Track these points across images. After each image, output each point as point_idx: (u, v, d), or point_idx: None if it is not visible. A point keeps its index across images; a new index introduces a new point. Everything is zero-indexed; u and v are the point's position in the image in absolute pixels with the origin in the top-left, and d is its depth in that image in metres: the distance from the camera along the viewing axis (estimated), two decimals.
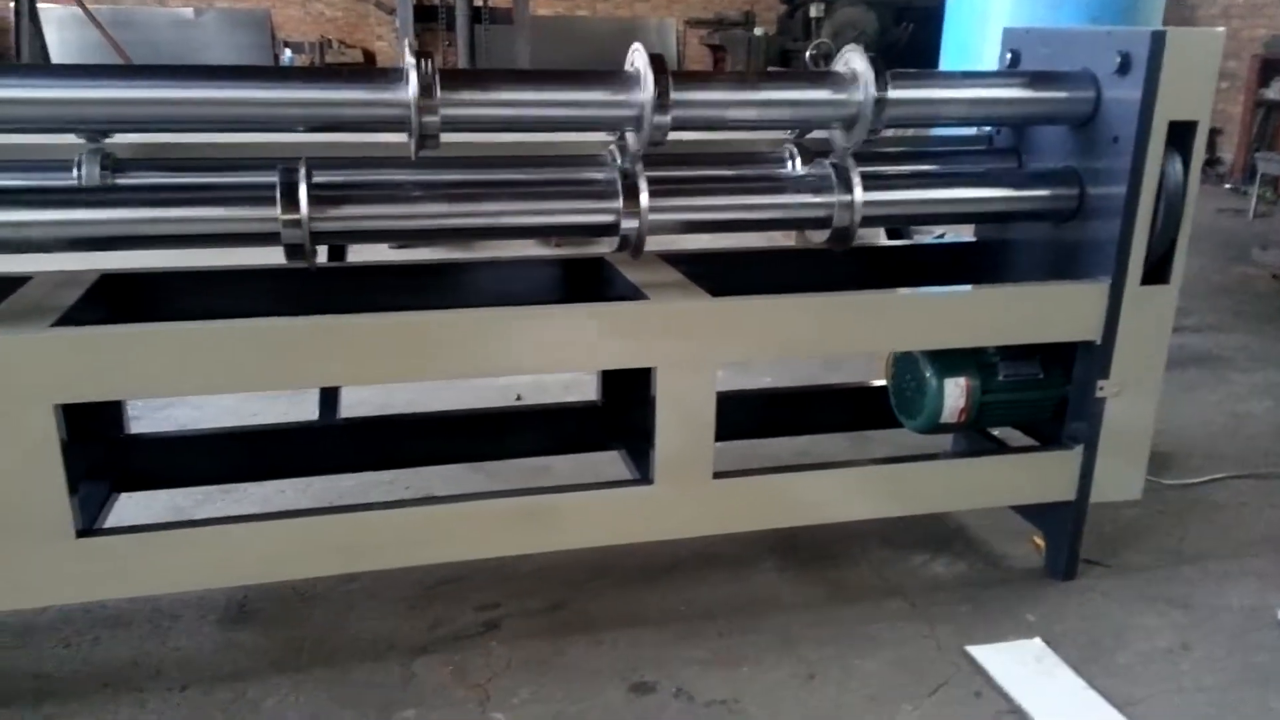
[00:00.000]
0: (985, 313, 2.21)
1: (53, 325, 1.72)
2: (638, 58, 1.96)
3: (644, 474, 2.16)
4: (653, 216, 2.00)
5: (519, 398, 3.46)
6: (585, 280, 2.43)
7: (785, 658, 2.15)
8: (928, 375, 2.33)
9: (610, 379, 2.61)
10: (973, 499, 2.45)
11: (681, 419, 2.06)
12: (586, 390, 2.89)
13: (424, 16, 10.69)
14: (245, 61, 12.49)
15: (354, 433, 2.50)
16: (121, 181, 1.91)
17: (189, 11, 12.77)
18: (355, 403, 2.64)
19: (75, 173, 1.89)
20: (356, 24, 13.27)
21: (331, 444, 2.48)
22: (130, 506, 2.29)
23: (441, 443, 2.59)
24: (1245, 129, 9.56)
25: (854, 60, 2.08)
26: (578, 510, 2.10)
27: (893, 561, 2.56)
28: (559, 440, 2.64)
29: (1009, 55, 2.48)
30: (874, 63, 2.05)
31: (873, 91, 2.02)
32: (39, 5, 8.42)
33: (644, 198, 1.99)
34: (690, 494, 2.12)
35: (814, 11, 10.34)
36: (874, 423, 2.80)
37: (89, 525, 1.90)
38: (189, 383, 1.79)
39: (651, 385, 2.03)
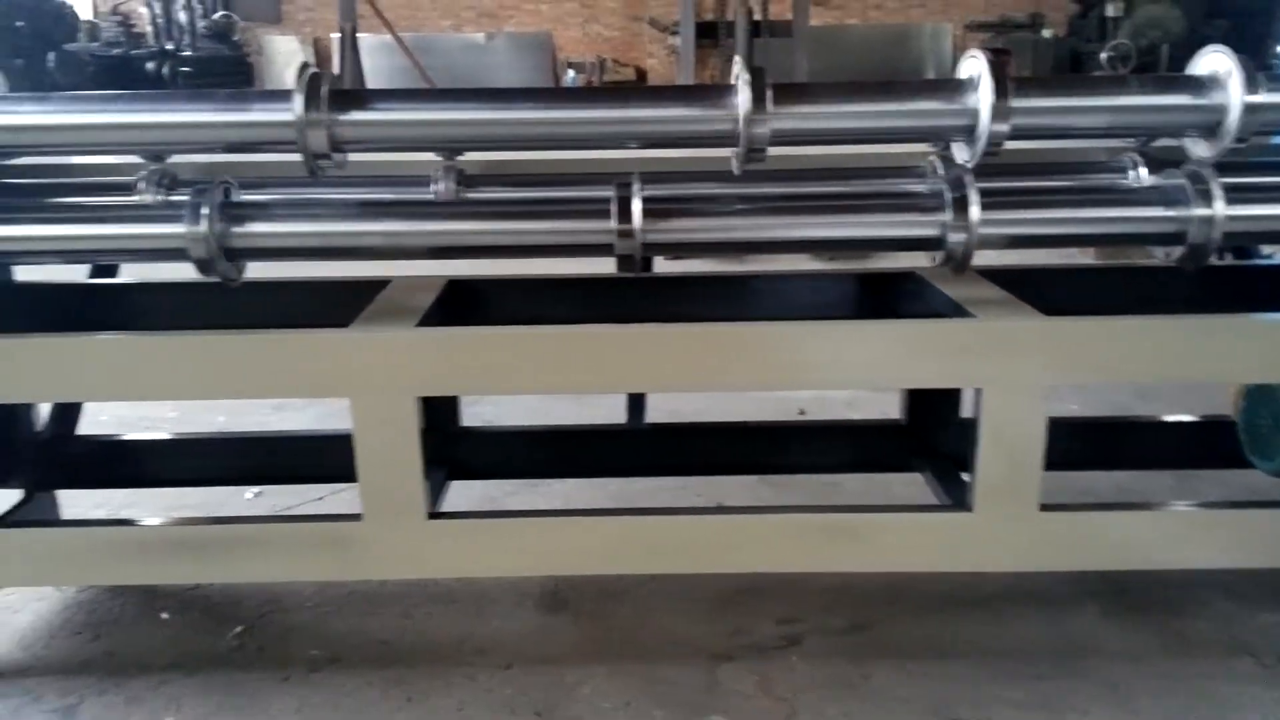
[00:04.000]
0: None
1: (417, 325, 1.89)
2: (974, 64, 1.88)
3: (958, 500, 2.07)
4: (983, 230, 1.91)
5: (802, 411, 3.43)
6: (892, 295, 2.37)
7: (1117, 711, 1.98)
8: None
9: (916, 398, 2.53)
10: None
11: (1007, 445, 1.94)
12: (869, 407, 2.82)
13: (703, 33, 10.93)
14: (530, 80, 13.36)
15: (656, 437, 2.57)
16: (472, 195, 2.07)
17: (480, 36, 13.81)
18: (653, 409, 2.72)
19: (432, 187, 2.07)
20: (630, 43, 13.81)
21: (634, 447, 2.56)
22: (449, 493, 2.47)
23: (738, 452, 2.61)
24: None
25: (1218, 60, 1.89)
26: (890, 532, 2.03)
27: (1239, 617, 2.30)
28: (857, 458, 2.59)
29: None
30: (1243, 63, 1.85)
31: (1242, 95, 1.83)
32: (357, 34, 9.40)
33: (974, 210, 1.90)
34: (1012, 525, 2.00)
35: (1111, 10, 9.55)
36: (1206, 461, 2.54)
37: (435, 508, 2.07)
38: (527, 382, 1.91)
39: (975, 408, 1.94)
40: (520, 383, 1.92)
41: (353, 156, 1.98)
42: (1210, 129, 1.90)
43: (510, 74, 13.48)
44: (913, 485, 2.41)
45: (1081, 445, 2.53)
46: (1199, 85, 1.90)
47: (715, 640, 2.21)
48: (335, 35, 9.67)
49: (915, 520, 2.04)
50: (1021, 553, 2.04)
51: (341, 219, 1.96)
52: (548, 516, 2.01)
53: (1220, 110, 1.87)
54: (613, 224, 1.90)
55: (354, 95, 1.89)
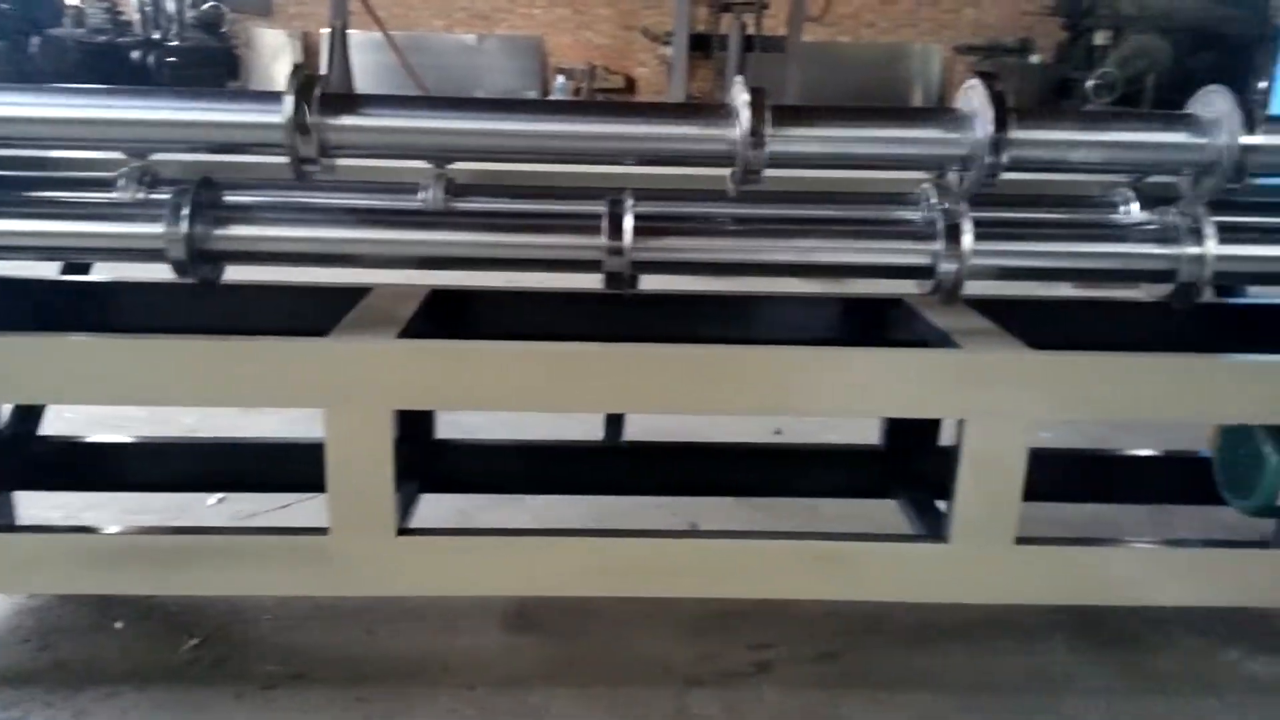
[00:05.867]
0: None
1: (397, 336, 1.85)
2: (975, 93, 1.87)
3: (934, 530, 2.05)
4: (975, 260, 1.90)
5: (778, 432, 3.41)
6: (879, 321, 2.35)
7: None
8: (1267, 452, 2.07)
9: (895, 424, 2.51)
10: None
11: (987, 477, 1.93)
12: (846, 431, 2.81)
13: (695, 45, 10.94)
14: (520, 82, 13.33)
15: (633, 456, 2.54)
16: (461, 205, 2.04)
17: (472, 38, 13.77)
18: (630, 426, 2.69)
19: (421, 195, 2.03)
20: (622, 51, 13.81)
21: (611, 465, 2.53)
22: (420, 505, 2.43)
23: (716, 473, 2.58)
24: None
25: (1217, 100, 1.89)
26: (866, 560, 2.01)
27: (1204, 654, 2.30)
28: (837, 483, 2.57)
29: None
30: (1241, 104, 1.85)
31: (1240, 137, 1.83)
32: (347, 31, 9.33)
33: (967, 239, 1.89)
34: (989, 558, 1.99)
35: (1099, 38, 9.66)
36: (1181, 497, 2.54)
37: (405, 524, 2.03)
38: (508, 399, 1.88)
39: (957, 439, 1.93)
40: (501, 399, 1.89)
41: (342, 161, 1.95)
42: (1206, 168, 1.91)
43: (500, 77, 13.45)
44: (891, 511, 2.39)
45: (1057, 477, 2.52)
46: (1197, 124, 1.90)
47: (686, 664, 2.18)
48: (325, 31, 9.58)
49: (892, 550, 2.03)
50: (997, 586, 2.03)
51: (325, 224, 1.92)
52: (520, 536, 1.97)
53: (1217, 150, 1.87)
54: (603, 240, 1.88)
55: (345, 100, 1.85)
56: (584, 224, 1.90)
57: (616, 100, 11.43)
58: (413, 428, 2.21)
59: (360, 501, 1.85)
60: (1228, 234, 1.93)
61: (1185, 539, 2.13)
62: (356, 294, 2.10)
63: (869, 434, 2.58)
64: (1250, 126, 1.83)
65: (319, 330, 1.85)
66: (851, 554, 2.02)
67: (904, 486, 2.41)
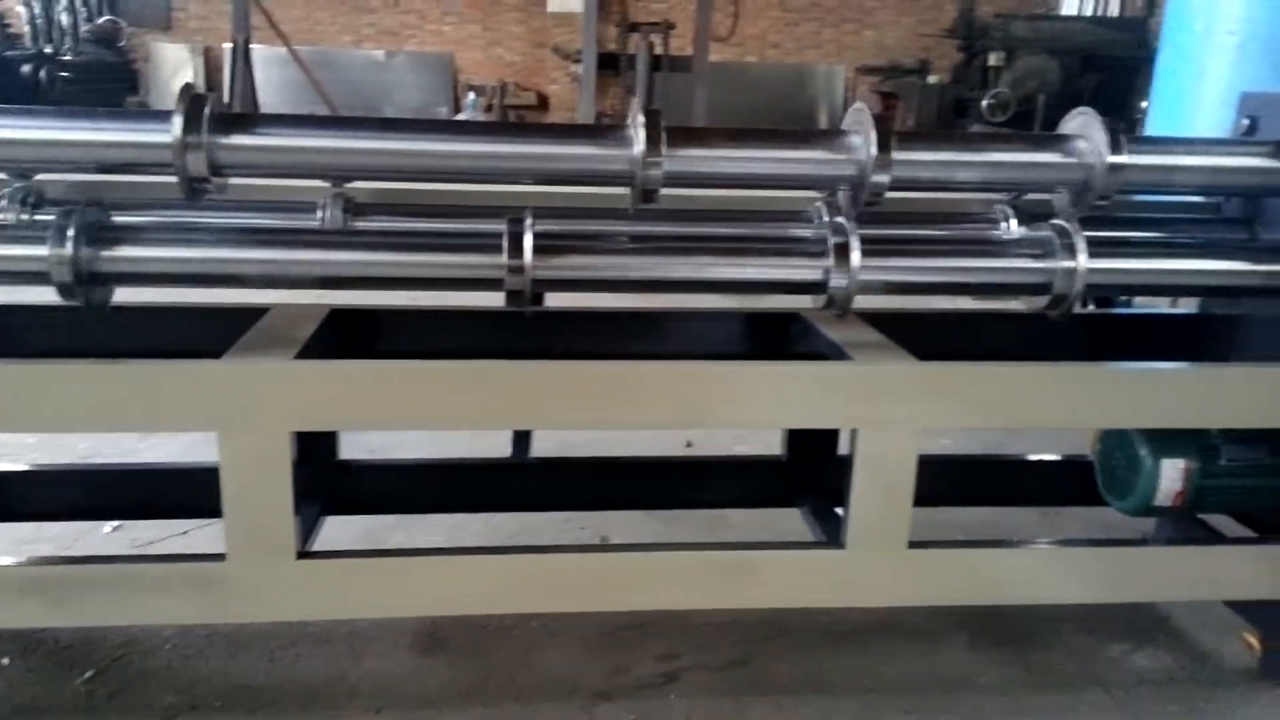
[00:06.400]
0: (1215, 393, 2.06)
1: (295, 357, 1.83)
2: (860, 116, 1.94)
3: (833, 537, 2.11)
4: (863, 276, 1.97)
5: (689, 444, 3.46)
6: (778, 336, 2.41)
7: None
8: (1143, 454, 2.19)
9: (795, 435, 2.58)
10: (1187, 590, 2.28)
11: (879, 485, 2.00)
12: (757, 442, 2.87)
13: (603, 64, 11.02)
14: (430, 99, 13.22)
15: (542, 471, 2.55)
16: (360, 225, 2.03)
17: (381, 54, 13.61)
18: (538, 441, 2.70)
19: (319, 215, 2.02)
20: (534, 68, 13.83)
21: (521, 481, 2.54)
22: (325, 528, 2.40)
23: (626, 487, 2.61)
24: None
25: (1085, 123, 2.00)
26: (767, 569, 2.06)
27: (1092, 649, 2.41)
28: (741, 494, 2.62)
29: (1245, 121, 2.33)
30: (1107, 125, 1.97)
31: (1106, 156, 1.94)
32: (251, 45, 9.14)
33: (855, 256, 1.97)
34: (883, 562, 2.06)
35: (993, 60, 10.05)
36: (1069, 499, 2.65)
37: (306, 547, 2.00)
38: (409, 418, 1.87)
39: (850, 448, 1.99)
40: (403, 418, 1.88)
41: (238, 181, 1.93)
42: (1076, 186, 2.02)
43: (410, 93, 13.34)
44: (798, 520, 2.45)
45: (951, 482, 2.62)
46: (1068, 145, 2.01)
47: (595, 679, 2.20)
48: (228, 45, 9.37)
49: (792, 558, 2.08)
50: (891, 588, 2.10)
51: (218, 245, 1.90)
52: (425, 556, 1.96)
53: (1086, 169, 1.98)
54: (503, 259, 1.89)
55: (237, 119, 1.83)
56: (484, 243, 1.92)
57: (514, 121, 11.46)
58: (314, 449, 2.19)
59: (258, 526, 1.82)
60: (1098, 248, 2.05)
61: (1071, 539, 2.24)
62: (255, 315, 2.07)
63: (778, 445, 2.64)
64: (1116, 147, 1.95)
65: (215, 353, 1.82)
66: (754, 563, 2.07)
67: (805, 495, 2.47)
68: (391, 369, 1.84)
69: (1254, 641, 2.36)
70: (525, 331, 2.31)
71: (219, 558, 1.84)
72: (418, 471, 2.55)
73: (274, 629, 2.29)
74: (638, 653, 2.29)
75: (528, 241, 1.90)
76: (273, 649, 2.25)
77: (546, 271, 1.92)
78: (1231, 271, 2.14)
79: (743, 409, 1.96)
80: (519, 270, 1.89)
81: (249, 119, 1.87)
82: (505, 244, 1.89)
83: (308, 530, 2.15)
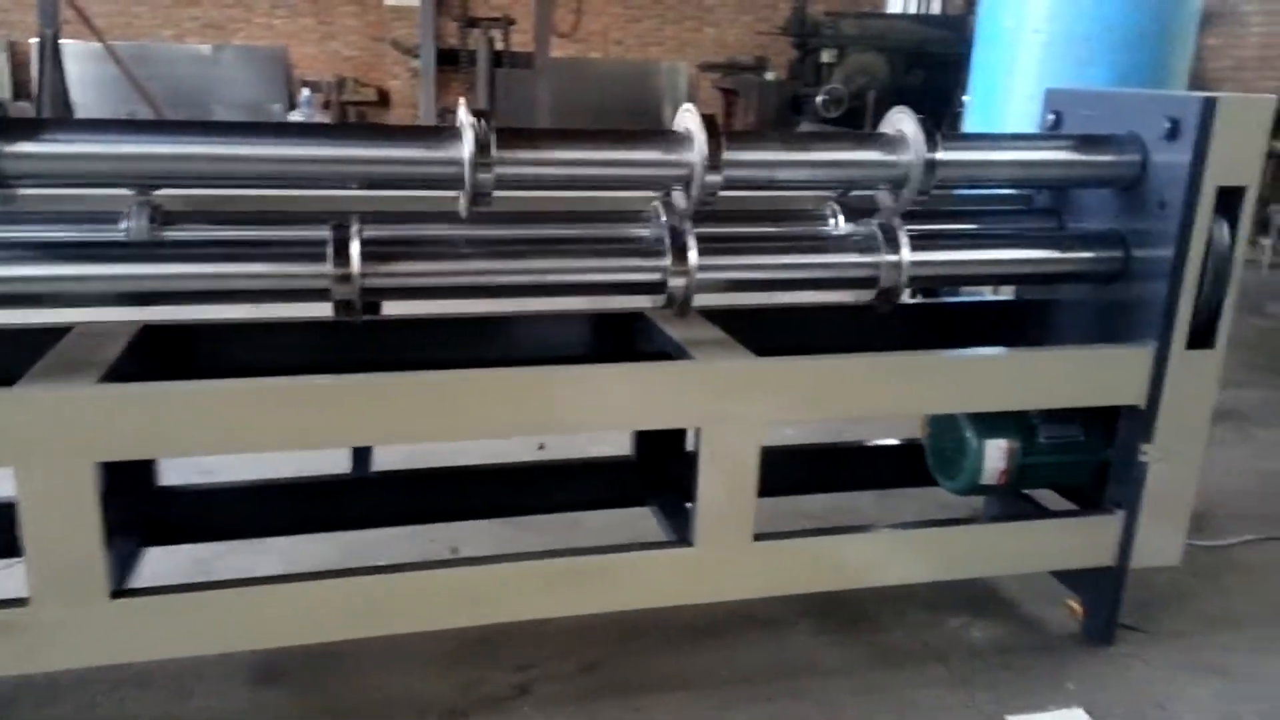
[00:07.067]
0: (1031, 376, 2.19)
1: (99, 381, 1.69)
2: (689, 118, 1.95)
3: (683, 535, 2.13)
4: (700, 275, 1.99)
5: (541, 446, 3.42)
6: (623, 335, 2.41)
7: None
8: (968, 436, 2.30)
9: (644, 435, 2.58)
10: (1015, 564, 2.41)
11: (724, 481, 2.03)
12: (611, 441, 2.86)
13: (444, 60, 10.80)
14: (262, 95, 12.62)
15: (385, 486, 2.46)
16: (170, 235, 1.90)
17: (207, 48, 12.89)
18: (381, 452, 2.60)
19: (124, 225, 1.88)
20: (373, 63, 13.38)
21: (363, 497, 2.45)
22: (150, 559, 2.24)
23: (475, 496, 2.55)
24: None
25: (903, 122, 2.08)
26: (618, 572, 2.06)
27: (931, 625, 2.52)
28: (593, 496, 2.61)
29: (1051, 116, 2.48)
30: (923, 124, 2.05)
31: (923, 153, 2.02)
32: (61, 40, 8.48)
33: (692, 256, 1.98)
34: (731, 557, 2.09)
35: (825, 57, 10.41)
36: (907, 481, 2.76)
37: (122, 584, 1.86)
38: (234, 442, 1.77)
39: (695, 446, 2.01)
40: (224, 442, 1.77)
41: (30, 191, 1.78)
42: (898, 183, 2.09)
43: (241, 90, 12.67)
44: (650, 519, 2.45)
45: (795, 471, 2.68)
46: (888, 143, 2.07)
47: (448, 696, 2.14)
48: (35, 40, 8.67)
49: (644, 559, 2.09)
50: (739, 582, 2.14)
51: (9, 261, 1.73)
52: (254, 585, 1.85)
53: (905, 166, 2.05)
54: (329, 268, 1.81)
55: (26, 125, 1.70)
56: (308, 251, 1.82)
57: (335, 123, 11.10)
58: (127, 478, 2.03)
59: (64, 565, 1.68)
60: (920, 241, 2.13)
61: (907, 523, 2.32)
62: (56, 335, 1.91)
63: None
64: (932, 144, 2.03)
65: (9, 379, 1.66)
66: (605, 567, 2.06)
67: (655, 493, 2.48)
68: (208, 390, 1.73)
69: (1075, 607, 2.51)
70: (360, 342, 2.22)
71: (21, 602, 1.68)
72: (249, 494, 2.41)
73: (93, 673, 2.12)
74: (490, 666, 2.24)
75: (354, 248, 1.82)
76: (94, 694, 2.08)
77: (376, 279, 1.85)
78: (1041, 260, 2.27)
79: (585, 414, 1.95)
80: (346, 279, 1.81)
81: (39, 125, 1.74)
82: (330, 251, 1.81)
83: (124, 566, 1.99)
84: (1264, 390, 4.76)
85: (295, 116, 10.48)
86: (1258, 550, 3.03)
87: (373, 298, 1.88)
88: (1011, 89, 4.05)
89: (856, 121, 9.49)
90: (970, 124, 4.49)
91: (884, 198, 2.15)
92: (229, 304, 1.87)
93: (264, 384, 1.77)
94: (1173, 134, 2.10)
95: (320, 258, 1.81)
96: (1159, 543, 2.36)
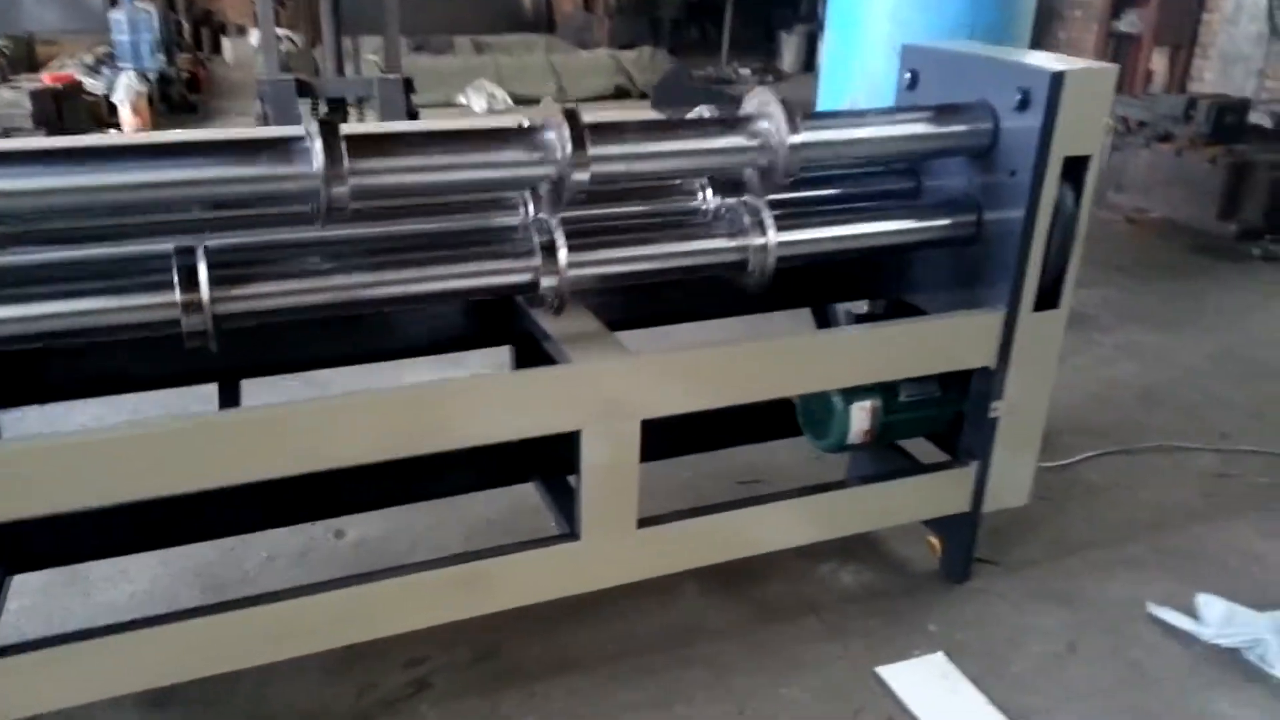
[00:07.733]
0: (893, 350, 2.28)
1: None
2: (551, 114, 1.88)
3: (570, 528, 2.15)
4: (571, 273, 1.96)
5: None
6: (501, 316, 2.35)
7: (717, 692, 2.21)
8: (835, 400, 2.38)
9: None
10: (883, 519, 2.56)
11: (606, 475, 2.06)
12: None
13: None
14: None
15: (259, 489, 2.37)
16: None
17: None
18: None
19: None
20: None
21: (239, 501, 2.35)
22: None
23: (357, 489, 2.47)
24: (1098, 60, 9.83)
25: (766, 103, 2.07)
26: (507, 572, 2.09)
27: (806, 573, 2.65)
28: (478, 478, 2.59)
29: (908, 75, 2.50)
30: (785, 105, 2.04)
31: (786, 137, 2.02)
32: None
33: (563, 255, 1.95)
34: (616, 545, 2.14)
35: None
36: (781, 435, 2.84)
37: None
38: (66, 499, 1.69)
39: (575, 442, 2.01)
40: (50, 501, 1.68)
41: None
42: (763, 168, 2.08)
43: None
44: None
45: (676, 435, 2.72)
46: (752, 127, 2.05)
47: (343, 701, 2.14)
48: None
49: (532, 557, 2.11)
50: (626, 568, 2.21)
51: None
52: (139, 629, 1.78)
53: (770, 152, 2.04)
54: (176, 296, 1.70)
55: None
56: (148, 281, 1.70)
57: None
58: None
59: None
60: (785, 220, 2.15)
61: (782, 491, 2.40)
62: None
63: None
64: (794, 127, 2.02)
65: None
66: (494, 570, 2.08)
67: (539, 471, 2.49)
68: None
69: (935, 543, 2.69)
70: (227, 343, 2.11)
71: None
72: (109, 513, 2.28)
73: None
74: (385, 664, 2.25)
75: (203, 272, 1.71)
76: None
77: (229, 304, 1.75)
78: (903, 230, 2.32)
79: (463, 429, 1.93)
80: (196, 307, 1.71)
81: None
82: (175, 278, 1.70)
83: None
84: (1105, 289, 4.89)
85: (116, 15, 9.46)
86: (1098, 467, 3.25)
87: (228, 324, 1.77)
88: (865, 44, 4.03)
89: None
90: (825, 78, 4.43)
91: (751, 180, 2.15)
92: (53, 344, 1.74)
93: (102, 435, 1.70)
94: (1023, 105, 2.16)
95: (165, 286, 1.69)
96: (1009, 486, 2.54)
